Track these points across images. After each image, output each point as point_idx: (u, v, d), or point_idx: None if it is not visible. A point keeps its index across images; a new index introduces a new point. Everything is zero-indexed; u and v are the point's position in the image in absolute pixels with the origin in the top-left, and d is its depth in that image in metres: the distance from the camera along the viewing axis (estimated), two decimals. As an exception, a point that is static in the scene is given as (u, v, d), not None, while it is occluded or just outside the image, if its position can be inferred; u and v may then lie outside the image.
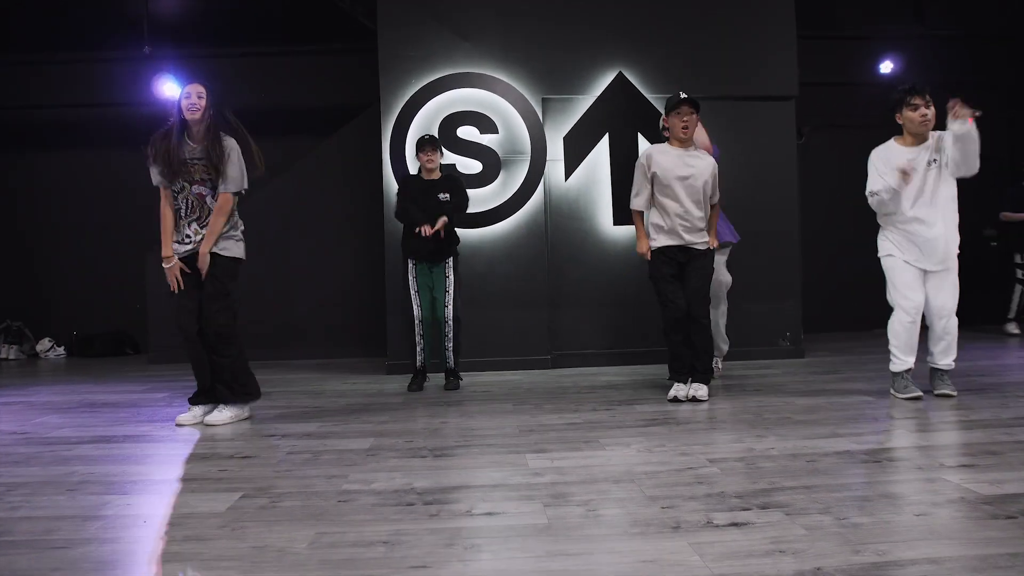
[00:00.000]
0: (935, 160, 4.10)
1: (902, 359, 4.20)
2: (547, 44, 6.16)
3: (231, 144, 4.04)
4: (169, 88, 7.98)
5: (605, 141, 6.16)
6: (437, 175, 5.21)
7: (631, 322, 6.15)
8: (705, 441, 3.31)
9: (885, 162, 4.14)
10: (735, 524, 2.20)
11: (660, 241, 4.41)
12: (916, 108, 4.08)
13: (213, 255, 4.01)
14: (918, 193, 4.11)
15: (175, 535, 2.29)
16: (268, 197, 7.35)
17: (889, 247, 4.25)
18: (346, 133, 7.47)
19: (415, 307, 5.15)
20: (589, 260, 6.19)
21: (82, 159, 8.58)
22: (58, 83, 8.46)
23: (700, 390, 4.34)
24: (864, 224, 9.24)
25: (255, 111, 8.46)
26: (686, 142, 4.43)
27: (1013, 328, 7.75)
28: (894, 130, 4.29)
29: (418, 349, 5.18)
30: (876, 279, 4.44)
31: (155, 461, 3.29)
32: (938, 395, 4.17)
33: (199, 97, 3.96)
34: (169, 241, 4.03)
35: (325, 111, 8.15)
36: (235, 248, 4.13)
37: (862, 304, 8.52)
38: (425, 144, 5.14)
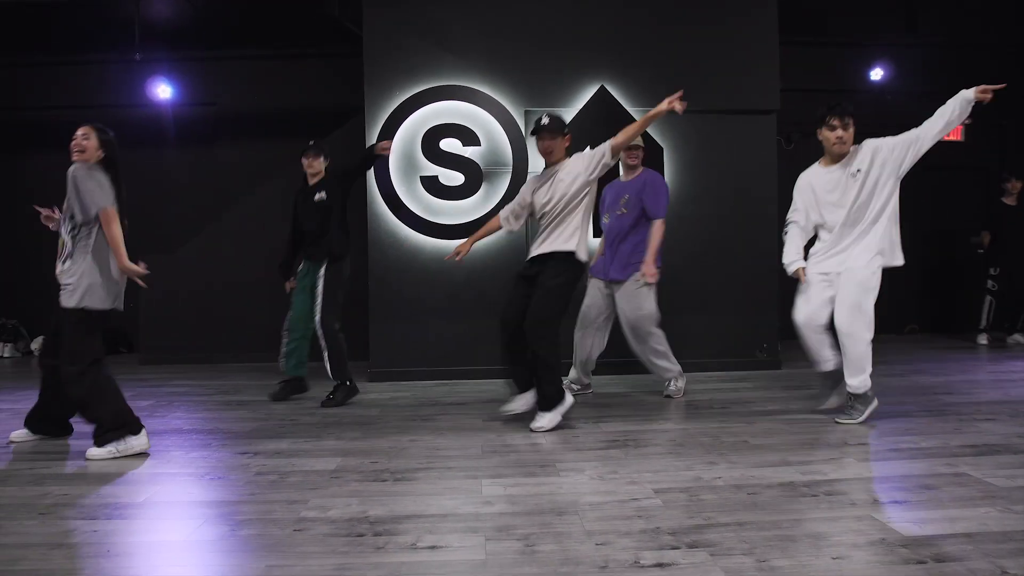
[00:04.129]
0: (858, 171, 4.16)
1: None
2: (530, 57, 6.25)
3: (71, 172, 3.89)
4: (162, 91, 8.11)
5: (586, 154, 6.25)
6: (317, 179, 5.26)
7: (614, 332, 6.25)
8: (657, 468, 3.43)
9: (801, 193, 4.41)
10: (660, 564, 2.32)
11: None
12: (833, 129, 4.18)
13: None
14: (843, 208, 4.21)
15: (137, 566, 2.43)
16: (263, 199, 7.48)
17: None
18: (338, 136, 7.56)
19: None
20: (569, 271, 6.28)
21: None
22: (51, 85, 8.61)
23: (539, 420, 4.19)
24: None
25: (246, 114, 8.65)
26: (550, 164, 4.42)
27: (983, 339, 7.87)
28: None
29: (281, 351, 5.32)
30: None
31: (127, 482, 3.42)
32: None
33: (84, 138, 3.95)
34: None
35: (317, 115, 8.25)
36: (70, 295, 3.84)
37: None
38: (307, 150, 5.23)
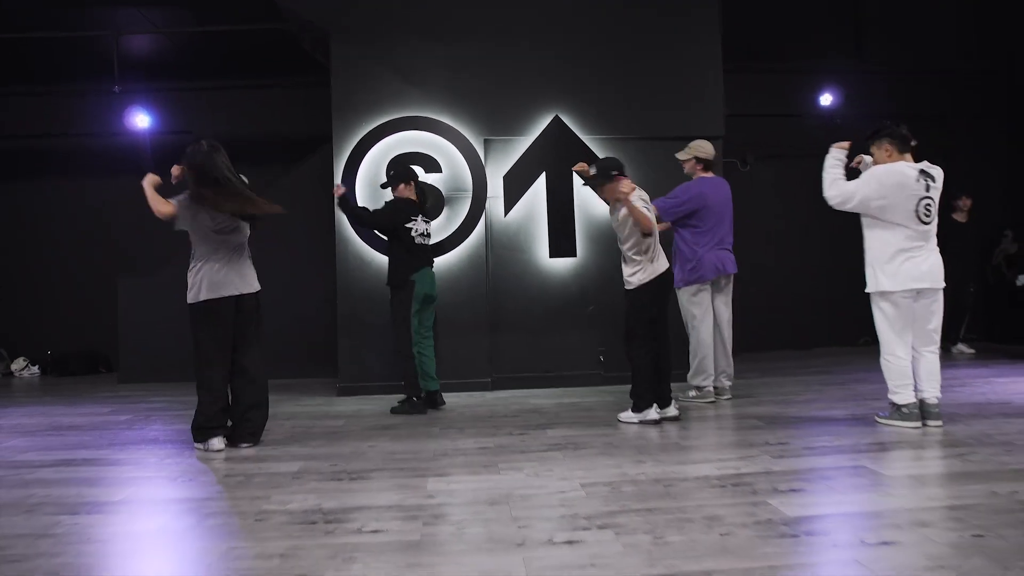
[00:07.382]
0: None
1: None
2: (489, 89, 6.65)
3: None
4: (140, 120, 8.46)
5: (542, 180, 6.66)
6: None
7: (565, 347, 6.65)
8: (588, 467, 3.78)
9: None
10: (569, 542, 2.67)
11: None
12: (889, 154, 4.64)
13: None
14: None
15: (113, 551, 2.75)
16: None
17: None
18: (309, 163, 7.91)
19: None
20: (527, 289, 6.67)
21: (57, 186, 9.07)
22: (32, 114, 8.95)
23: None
24: (805, 248, 9.73)
25: (221, 142, 8.99)
26: None
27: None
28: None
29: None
30: (816, 301, 4.76)
31: (106, 484, 3.73)
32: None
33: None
34: None
35: (290, 143, 8.63)
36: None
37: (799, 324, 9.09)
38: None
